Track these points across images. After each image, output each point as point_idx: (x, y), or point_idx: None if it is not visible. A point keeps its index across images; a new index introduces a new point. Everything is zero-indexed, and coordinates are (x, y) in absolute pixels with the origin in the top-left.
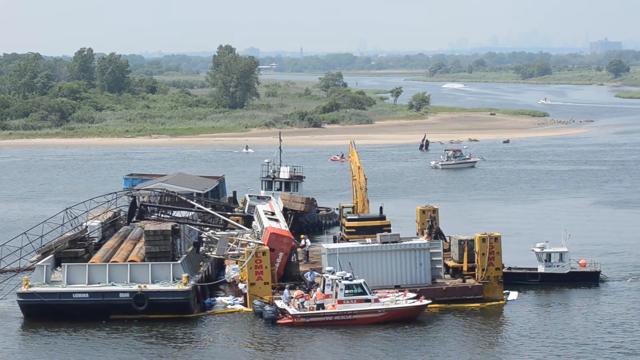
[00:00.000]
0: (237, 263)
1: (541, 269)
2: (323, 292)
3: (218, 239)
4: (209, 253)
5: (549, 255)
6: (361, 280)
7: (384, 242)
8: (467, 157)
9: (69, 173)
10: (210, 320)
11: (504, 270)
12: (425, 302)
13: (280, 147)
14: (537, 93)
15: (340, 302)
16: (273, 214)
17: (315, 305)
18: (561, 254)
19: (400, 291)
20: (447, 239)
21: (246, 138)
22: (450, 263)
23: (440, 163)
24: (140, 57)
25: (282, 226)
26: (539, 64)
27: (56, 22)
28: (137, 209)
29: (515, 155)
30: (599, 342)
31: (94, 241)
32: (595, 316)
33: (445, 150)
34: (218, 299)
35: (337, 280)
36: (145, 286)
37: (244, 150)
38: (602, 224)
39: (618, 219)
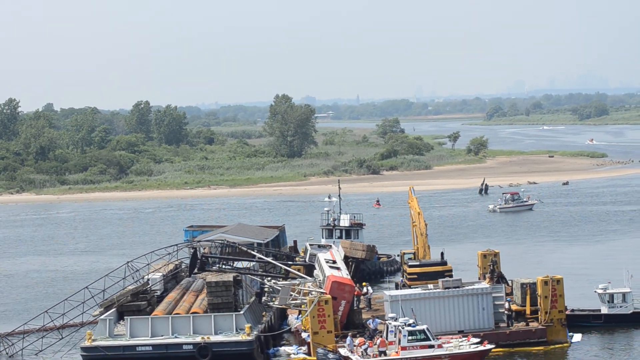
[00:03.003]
0: (299, 312)
1: (604, 310)
2: (386, 339)
3: (280, 288)
4: (271, 303)
5: (611, 296)
6: (424, 326)
7: (446, 288)
8: (526, 199)
9: (129, 226)
10: None
11: (567, 312)
12: (488, 346)
13: (339, 195)
14: (595, 134)
15: (403, 348)
16: (334, 262)
17: (378, 352)
18: (624, 294)
19: (463, 336)
20: (509, 282)
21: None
22: (514, 307)
23: (498, 206)
24: (197, 109)
25: (344, 274)
26: (596, 104)
27: (112, 75)
28: (199, 261)
29: (575, 197)
30: None
31: (156, 294)
32: None
33: (503, 193)
34: (281, 348)
35: (400, 327)
36: (208, 337)
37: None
38: None
39: None
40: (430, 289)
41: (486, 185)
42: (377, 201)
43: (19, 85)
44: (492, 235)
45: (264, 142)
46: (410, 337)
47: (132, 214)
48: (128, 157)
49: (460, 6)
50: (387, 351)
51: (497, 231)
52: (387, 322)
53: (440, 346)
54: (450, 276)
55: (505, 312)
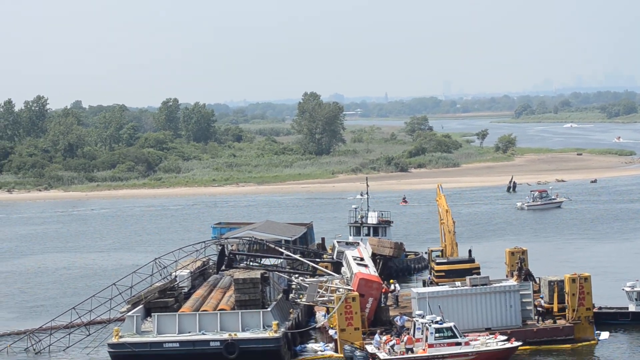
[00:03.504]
0: (327, 310)
1: (632, 307)
2: (414, 336)
3: (307, 285)
4: (298, 300)
5: (639, 294)
6: (451, 324)
7: (473, 285)
8: (554, 197)
9: (157, 223)
10: None
11: (595, 310)
12: (516, 344)
13: (367, 193)
14: (624, 132)
15: (430, 345)
16: (362, 259)
17: (405, 350)
18: None
19: (490, 334)
20: (537, 280)
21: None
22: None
23: (526, 204)
24: (225, 106)
25: (371, 271)
26: (625, 102)
27: (140, 73)
28: (226, 258)
29: (603, 195)
30: None
31: (183, 291)
32: None
33: (532, 191)
34: (309, 345)
35: (427, 324)
36: (235, 334)
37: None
38: None
39: None
40: (458, 287)
41: (514, 183)
42: (404, 198)
43: (48, 85)
44: (520, 233)
45: (292, 140)
46: (437, 335)
47: (160, 211)
48: (156, 155)
49: (487, 4)
50: (414, 348)
51: (524, 229)
52: (414, 319)
53: (467, 343)
54: (478, 274)
55: (537, 307)
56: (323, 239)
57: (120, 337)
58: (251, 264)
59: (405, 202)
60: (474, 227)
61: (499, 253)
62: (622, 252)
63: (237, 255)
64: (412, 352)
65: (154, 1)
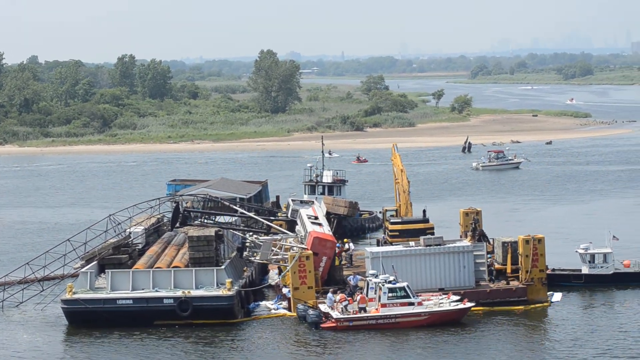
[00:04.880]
0: (279, 268)
1: (585, 270)
2: (367, 295)
3: (261, 243)
4: (252, 258)
5: (592, 256)
6: (404, 284)
7: (427, 245)
8: (512, 158)
9: (112, 180)
10: (254, 325)
11: (548, 271)
12: (468, 304)
13: (322, 152)
14: (579, 94)
15: (383, 305)
16: (316, 218)
17: (358, 309)
18: (605, 255)
19: (444, 294)
20: (491, 241)
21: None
22: (495, 265)
23: (481, 164)
24: (181, 63)
25: (326, 230)
26: (581, 64)
27: (96, 29)
28: (181, 215)
29: (558, 156)
30: None
31: (137, 247)
32: (639, 318)
33: (488, 151)
34: (262, 303)
35: (380, 284)
36: (189, 292)
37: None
38: None
39: None
40: (412, 247)
41: (469, 143)
42: (358, 157)
43: (3, 35)
44: (475, 194)
45: (248, 98)
46: (390, 294)
47: (115, 167)
48: (112, 111)
49: None
50: (367, 308)
51: (480, 189)
52: (367, 278)
53: (420, 304)
54: (432, 234)
55: (490, 267)
56: (278, 197)
57: (74, 293)
58: (205, 221)
59: (359, 160)
60: (428, 187)
61: (454, 213)
62: (576, 214)
63: (191, 213)
64: (365, 311)
65: None
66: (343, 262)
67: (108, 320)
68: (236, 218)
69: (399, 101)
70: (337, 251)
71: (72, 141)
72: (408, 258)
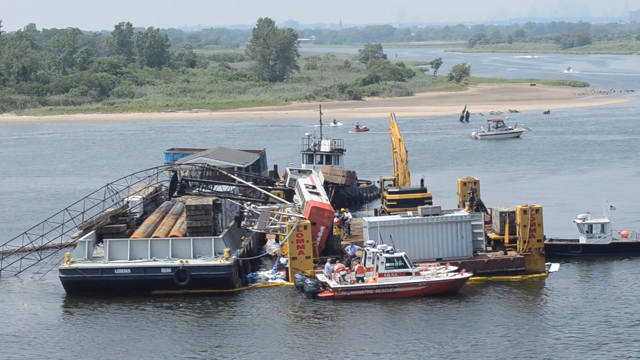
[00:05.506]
0: (277, 238)
1: (582, 240)
2: (364, 265)
3: (259, 213)
4: (250, 227)
5: (590, 226)
6: (402, 254)
7: (425, 215)
8: (512, 127)
9: (110, 148)
10: (251, 294)
11: (546, 242)
12: (466, 274)
13: (320, 120)
14: (577, 63)
15: (381, 275)
16: (314, 187)
17: (355, 279)
18: (602, 224)
19: (441, 264)
20: (489, 211)
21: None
22: (492, 235)
23: (480, 134)
24: (179, 31)
25: (324, 200)
26: (579, 33)
27: None
28: (179, 184)
29: (556, 126)
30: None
31: (135, 217)
32: (637, 288)
33: (488, 121)
34: (260, 273)
35: (378, 254)
36: (187, 261)
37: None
38: None
39: None
40: (409, 216)
41: (467, 112)
42: (357, 126)
43: (1, 3)
44: (474, 163)
45: (246, 66)
46: (388, 264)
47: (113, 135)
48: (110, 79)
49: None
50: (364, 277)
51: (478, 159)
52: (365, 248)
53: (417, 273)
54: (430, 203)
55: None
56: (276, 167)
57: (72, 262)
58: (203, 190)
59: (358, 129)
60: (426, 156)
61: (452, 183)
62: (574, 184)
63: (189, 182)
64: (363, 281)
65: None
66: (340, 234)
67: (106, 289)
68: (234, 187)
69: (396, 70)
70: (336, 221)
71: (70, 109)
72: (406, 228)
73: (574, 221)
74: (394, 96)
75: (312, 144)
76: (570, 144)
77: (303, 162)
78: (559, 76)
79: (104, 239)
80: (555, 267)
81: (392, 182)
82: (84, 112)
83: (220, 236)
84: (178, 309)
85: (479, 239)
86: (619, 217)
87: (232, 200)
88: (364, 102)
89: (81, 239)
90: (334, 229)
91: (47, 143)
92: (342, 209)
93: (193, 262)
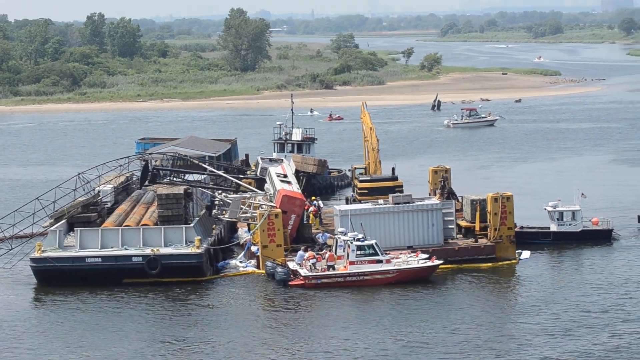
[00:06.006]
0: (248, 226)
1: (553, 227)
2: (335, 253)
3: (230, 202)
4: (221, 216)
5: (561, 214)
6: (373, 241)
7: (396, 203)
8: (486, 116)
9: (81, 138)
10: (222, 282)
11: (517, 229)
12: (437, 262)
13: (292, 109)
14: (549, 52)
15: (352, 263)
16: (285, 176)
17: (326, 267)
18: (573, 212)
19: (412, 252)
20: (460, 199)
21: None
22: (463, 223)
23: (452, 122)
24: (151, 22)
25: (295, 188)
26: (551, 22)
27: None
28: (150, 173)
29: (528, 114)
30: (610, 301)
31: (106, 206)
32: (607, 275)
33: (461, 109)
34: (231, 261)
35: (348, 242)
36: (158, 250)
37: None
38: (616, 182)
39: (633, 176)
40: (380, 204)
41: (439, 101)
42: (330, 115)
43: None
44: (446, 151)
45: (218, 56)
46: (358, 252)
47: (84, 125)
48: (81, 69)
49: None
50: (335, 265)
51: (450, 147)
52: (336, 236)
53: (388, 261)
54: (401, 192)
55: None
56: (247, 155)
57: (43, 251)
58: (174, 179)
59: (331, 118)
60: (398, 145)
61: (423, 171)
62: (545, 172)
63: (160, 171)
64: (334, 269)
65: None
66: (311, 222)
67: (77, 278)
68: (205, 176)
69: (368, 59)
70: (313, 210)
71: (41, 100)
72: (376, 216)
73: (545, 209)
74: (366, 85)
75: (283, 133)
76: (541, 132)
77: (274, 151)
78: (530, 65)
79: (75, 228)
80: (526, 254)
81: (363, 171)
82: (56, 102)
83: (192, 225)
84: (149, 298)
85: (449, 226)
86: (589, 205)
87: (204, 189)
88: (336, 91)
89: (52, 228)
90: (311, 218)
91: (18, 133)
92: (313, 197)
93: (164, 250)
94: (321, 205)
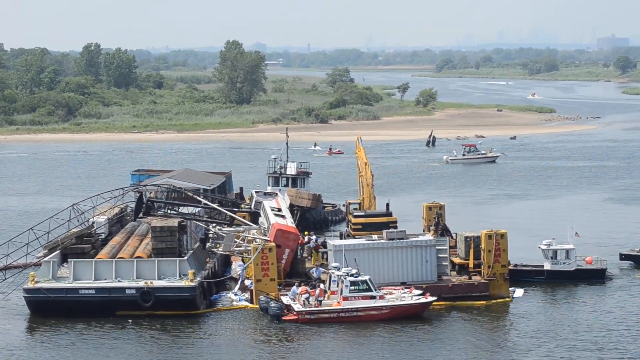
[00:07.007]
0: (242, 259)
1: (547, 266)
2: (329, 288)
3: (225, 235)
4: (215, 249)
5: (555, 252)
6: (367, 277)
7: (390, 239)
8: (486, 152)
9: (76, 169)
10: (216, 316)
11: (510, 267)
12: (430, 299)
13: (287, 143)
14: (545, 89)
15: (345, 298)
16: (280, 210)
17: (319, 302)
18: (567, 251)
19: (406, 288)
20: (454, 235)
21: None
22: (457, 260)
23: (450, 158)
24: (147, 53)
25: (289, 222)
26: (546, 60)
27: (63, 17)
28: (144, 205)
29: (523, 151)
30: (604, 340)
31: (100, 237)
32: (601, 314)
33: (462, 145)
34: (225, 295)
35: (342, 277)
36: (151, 282)
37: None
38: (610, 221)
39: (627, 215)
40: (374, 240)
41: (434, 137)
42: (330, 148)
43: None
44: (440, 187)
45: (213, 88)
46: (352, 288)
47: (79, 156)
48: (77, 99)
49: None
50: (324, 300)
51: (445, 183)
52: (330, 271)
53: (382, 297)
54: (395, 227)
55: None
56: (241, 189)
57: (36, 282)
58: (169, 212)
59: (331, 152)
60: (392, 180)
61: (417, 207)
62: (540, 210)
63: (155, 203)
64: (321, 303)
65: None
66: (305, 255)
67: (70, 309)
68: (199, 209)
69: (364, 94)
70: (315, 246)
71: (36, 129)
72: (370, 251)
73: (539, 247)
74: (361, 120)
75: (278, 167)
76: (536, 169)
77: (269, 185)
78: (525, 102)
79: (68, 259)
80: (519, 292)
81: (357, 206)
82: (51, 132)
83: (185, 258)
84: (142, 330)
85: (443, 263)
86: (583, 244)
87: (198, 222)
88: (331, 125)
89: (46, 258)
90: (313, 254)
91: (13, 162)
92: (306, 232)
93: (158, 283)
94: (314, 239)
